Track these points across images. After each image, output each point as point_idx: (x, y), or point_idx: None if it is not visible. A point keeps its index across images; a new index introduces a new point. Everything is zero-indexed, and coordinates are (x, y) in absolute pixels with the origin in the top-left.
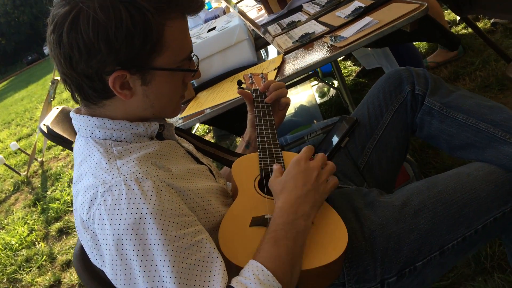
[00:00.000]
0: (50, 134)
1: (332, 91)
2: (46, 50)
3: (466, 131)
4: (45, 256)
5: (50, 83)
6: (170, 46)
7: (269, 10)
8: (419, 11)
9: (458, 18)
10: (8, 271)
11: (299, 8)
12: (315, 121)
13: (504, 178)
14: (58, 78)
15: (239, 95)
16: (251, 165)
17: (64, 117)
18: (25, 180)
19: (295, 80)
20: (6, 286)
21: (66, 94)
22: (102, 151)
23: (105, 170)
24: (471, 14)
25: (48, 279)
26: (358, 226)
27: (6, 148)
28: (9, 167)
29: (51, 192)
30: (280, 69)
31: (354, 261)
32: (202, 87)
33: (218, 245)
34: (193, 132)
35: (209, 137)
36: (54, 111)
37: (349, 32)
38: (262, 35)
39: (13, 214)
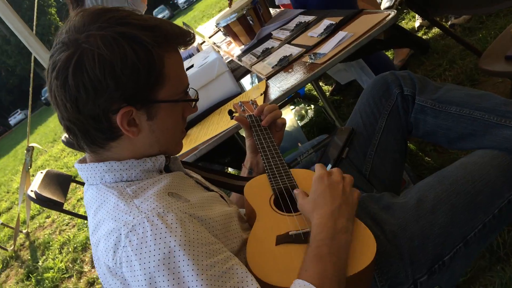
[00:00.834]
0: (40, 199)
1: (311, 112)
2: (16, 118)
3: (462, 122)
4: None
5: (25, 151)
6: (170, 78)
7: (239, 43)
8: (390, 18)
9: (416, 26)
10: None
11: (269, 36)
12: (299, 143)
13: (508, 160)
14: (33, 145)
15: (231, 126)
16: (263, 186)
17: (51, 180)
18: (13, 254)
19: (280, 103)
20: None
21: (41, 161)
22: (117, 194)
23: (125, 212)
24: (437, 16)
25: None
26: (379, 231)
27: None
28: None
29: (43, 262)
30: (265, 94)
31: (383, 267)
32: (191, 124)
33: (249, 268)
34: None
35: None
36: (39, 176)
37: (327, 48)
38: (240, 64)
39: None
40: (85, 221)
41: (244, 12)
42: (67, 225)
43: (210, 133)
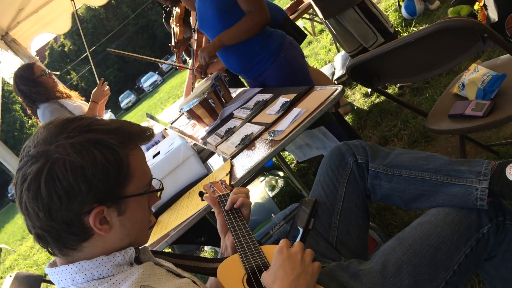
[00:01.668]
0: None
1: (280, 182)
2: None
3: (413, 184)
4: None
5: None
6: (136, 173)
7: (203, 124)
8: (337, 93)
9: (369, 90)
10: None
11: (231, 116)
12: (272, 214)
13: (460, 216)
14: (1, 246)
15: (201, 208)
16: (235, 266)
17: (20, 284)
18: None
19: (246, 180)
20: None
21: (9, 261)
22: None
23: None
24: (380, 85)
25: None
26: None
27: None
28: None
29: None
30: (231, 173)
31: None
32: (160, 211)
33: None
34: None
35: None
36: (8, 281)
37: (284, 125)
38: (204, 147)
39: None
40: None
41: (205, 95)
42: None
43: (180, 217)
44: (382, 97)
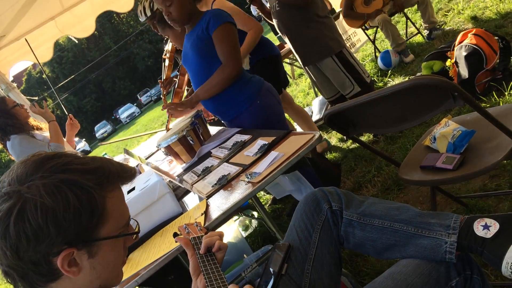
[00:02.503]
0: None
1: (254, 222)
2: None
3: (385, 234)
4: None
5: None
6: (112, 215)
7: (181, 161)
8: (315, 139)
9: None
10: None
11: (209, 154)
12: (245, 255)
13: (429, 268)
14: None
15: (173, 248)
16: None
17: None
18: None
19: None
20: None
21: None
22: None
23: None
24: (356, 134)
25: None
26: None
27: None
28: None
29: None
30: (206, 213)
31: None
32: (132, 248)
33: None
34: None
35: None
36: None
37: (261, 168)
38: (181, 185)
39: None
40: None
41: (184, 133)
42: None
43: (152, 256)
44: (355, 144)
